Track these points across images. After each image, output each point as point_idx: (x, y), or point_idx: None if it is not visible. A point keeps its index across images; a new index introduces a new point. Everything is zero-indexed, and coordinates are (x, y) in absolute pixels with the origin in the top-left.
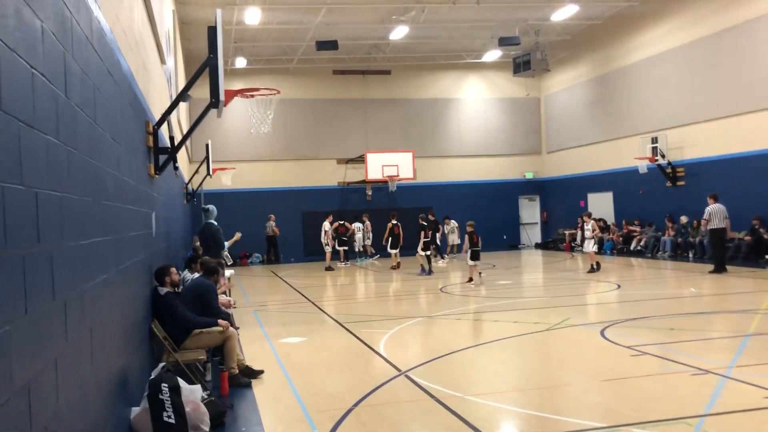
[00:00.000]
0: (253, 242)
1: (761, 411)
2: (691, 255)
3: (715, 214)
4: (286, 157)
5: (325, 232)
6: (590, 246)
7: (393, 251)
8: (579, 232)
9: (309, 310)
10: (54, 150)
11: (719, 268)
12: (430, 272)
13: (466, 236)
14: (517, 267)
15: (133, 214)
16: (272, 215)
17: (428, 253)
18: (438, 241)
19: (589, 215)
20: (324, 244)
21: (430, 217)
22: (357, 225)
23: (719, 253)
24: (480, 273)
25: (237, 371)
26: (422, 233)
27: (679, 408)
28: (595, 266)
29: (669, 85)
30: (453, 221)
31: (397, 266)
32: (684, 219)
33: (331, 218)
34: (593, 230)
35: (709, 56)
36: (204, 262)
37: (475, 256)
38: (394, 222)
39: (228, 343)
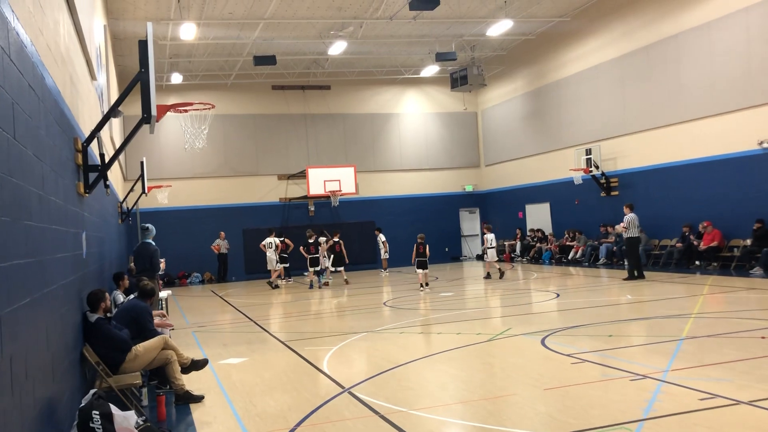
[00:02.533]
0: (192, 262)
1: (696, 413)
2: (626, 263)
3: (632, 222)
4: (225, 174)
5: (278, 247)
6: (493, 255)
7: (336, 269)
8: (487, 242)
9: (250, 330)
10: None
11: (639, 275)
12: (317, 286)
13: (415, 246)
14: (459, 279)
15: (61, 235)
16: (222, 233)
17: (317, 268)
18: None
19: (489, 228)
20: (276, 261)
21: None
22: (323, 239)
23: (636, 261)
24: (426, 283)
25: (185, 386)
26: (309, 249)
27: (618, 413)
28: (489, 274)
29: (601, 98)
30: (381, 235)
31: (343, 282)
32: (619, 228)
33: (274, 234)
34: (492, 242)
35: (639, 70)
36: (140, 285)
37: (420, 265)
38: (336, 239)
39: (168, 364)
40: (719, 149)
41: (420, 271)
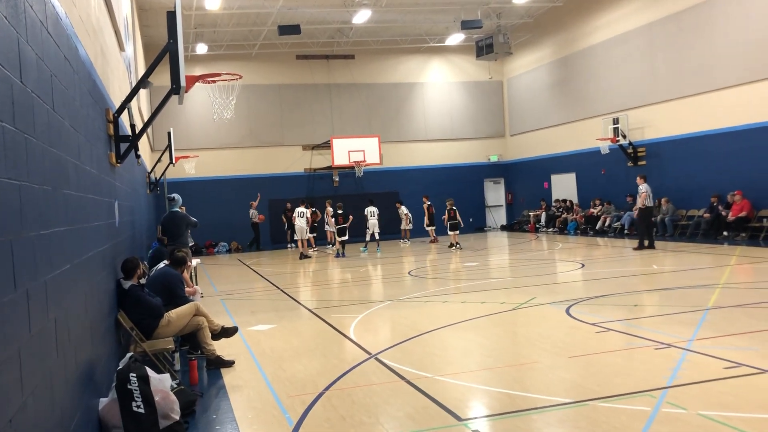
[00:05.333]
0: (219, 231)
1: (721, 381)
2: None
3: (648, 193)
4: (250, 144)
5: (308, 218)
6: (454, 227)
7: (340, 238)
8: (447, 216)
9: (278, 298)
10: (11, 137)
11: (650, 245)
12: (342, 255)
13: (446, 212)
14: (484, 249)
15: (96, 204)
16: (253, 202)
17: (344, 238)
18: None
19: (452, 202)
20: (306, 231)
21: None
22: (372, 209)
23: (649, 230)
24: (457, 243)
25: (216, 352)
26: (338, 220)
27: (642, 381)
28: (456, 244)
29: (629, 66)
30: (404, 207)
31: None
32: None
33: (305, 205)
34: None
35: (668, 37)
36: (172, 254)
37: (452, 227)
38: (340, 212)
39: (200, 330)
40: (750, 118)
41: (451, 232)
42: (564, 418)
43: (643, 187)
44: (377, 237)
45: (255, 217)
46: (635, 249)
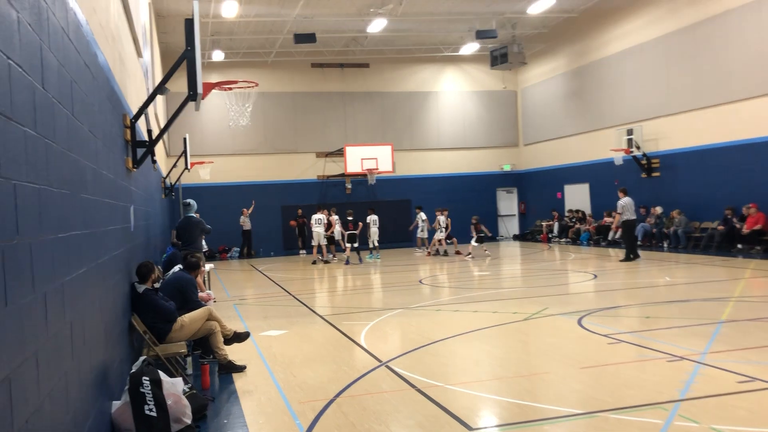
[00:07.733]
0: (232, 237)
1: (734, 395)
2: (665, 245)
3: (627, 207)
4: (264, 151)
5: (327, 224)
6: (441, 234)
7: (350, 245)
8: (438, 223)
9: (290, 304)
10: (32, 142)
11: (634, 256)
12: (357, 261)
13: (472, 226)
14: (496, 258)
15: (112, 208)
16: (245, 209)
17: (355, 245)
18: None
19: (441, 210)
20: (324, 236)
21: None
22: (374, 218)
23: (631, 242)
24: (486, 250)
25: (228, 357)
26: (348, 227)
27: (654, 394)
28: (441, 251)
29: (644, 78)
30: (422, 213)
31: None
32: (659, 209)
33: (326, 211)
34: (444, 223)
35: (683, 49)
36: (186, 258)
37: (479, 240)
38: (350, 218)
39: (212, 335)
40: (765, 130)
41: (476, 244)
42: (575, 429)
43: (620, 203)
44: (376, 245)
45: (245, 225)
46: (621, 261)
